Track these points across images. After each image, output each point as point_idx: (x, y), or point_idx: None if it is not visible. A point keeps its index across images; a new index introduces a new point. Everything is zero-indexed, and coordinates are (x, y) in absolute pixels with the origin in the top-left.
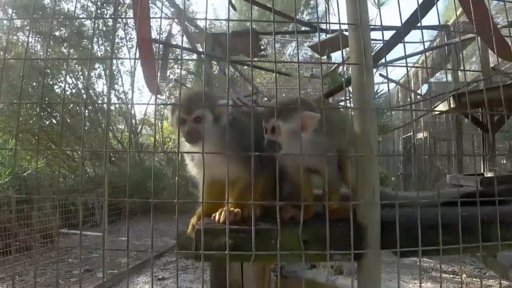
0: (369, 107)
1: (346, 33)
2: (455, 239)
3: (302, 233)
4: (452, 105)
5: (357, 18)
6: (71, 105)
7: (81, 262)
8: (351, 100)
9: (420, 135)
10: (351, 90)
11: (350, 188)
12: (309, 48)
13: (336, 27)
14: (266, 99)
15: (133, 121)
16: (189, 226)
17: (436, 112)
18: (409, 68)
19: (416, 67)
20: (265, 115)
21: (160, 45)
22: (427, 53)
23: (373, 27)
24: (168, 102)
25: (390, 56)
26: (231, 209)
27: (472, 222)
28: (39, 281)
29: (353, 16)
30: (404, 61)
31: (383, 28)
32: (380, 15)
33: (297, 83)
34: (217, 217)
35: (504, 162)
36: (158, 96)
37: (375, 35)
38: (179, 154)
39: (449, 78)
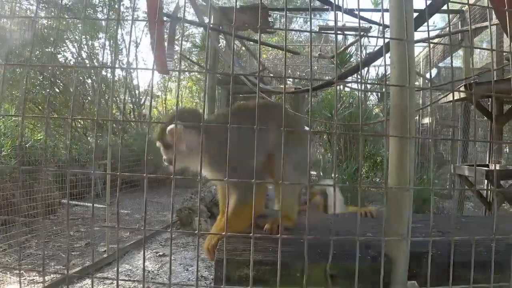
0: (410, 86)
1: None
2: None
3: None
4: (462, 95)
5: None
6: (75, 75)
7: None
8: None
9: (426, 120)
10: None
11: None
12: (317, 26)
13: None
14: (272, 75)
15: (137, 92)
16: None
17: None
18: (419, 52)
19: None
20: None
21: (167, 18)
22: (438, 38)
23: None
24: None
25: None
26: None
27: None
28: (40, 254)
29: None
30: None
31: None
32: None
33: (304, 60)
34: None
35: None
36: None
37: None
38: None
39: (458, 63)
